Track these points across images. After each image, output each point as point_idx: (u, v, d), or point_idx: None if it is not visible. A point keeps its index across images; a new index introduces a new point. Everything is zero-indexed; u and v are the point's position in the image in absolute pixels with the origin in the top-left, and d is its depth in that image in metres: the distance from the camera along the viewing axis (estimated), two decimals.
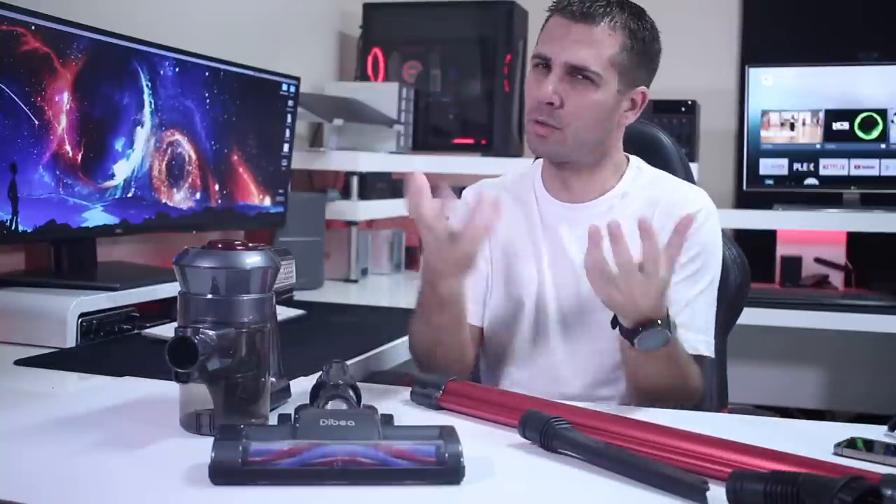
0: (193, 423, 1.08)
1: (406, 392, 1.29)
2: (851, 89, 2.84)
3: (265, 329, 1.10)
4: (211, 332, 1.04)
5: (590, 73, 1.39)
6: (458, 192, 2.07)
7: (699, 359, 1.42)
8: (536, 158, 1.71)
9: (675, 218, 1.31)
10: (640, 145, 1.56)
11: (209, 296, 1.07)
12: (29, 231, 1.63)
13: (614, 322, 1.30)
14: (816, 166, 2.87)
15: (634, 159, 1.55)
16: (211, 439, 0.94)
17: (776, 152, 2.90)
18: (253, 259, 1.08)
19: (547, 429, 1.06)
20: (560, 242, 1.51)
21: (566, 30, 1.41)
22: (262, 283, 1.09)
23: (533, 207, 1.55)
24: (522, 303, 1.52)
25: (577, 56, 1.39)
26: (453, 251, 1.29)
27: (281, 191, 2.35)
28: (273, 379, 1.18)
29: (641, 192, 1.49)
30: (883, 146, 2.81)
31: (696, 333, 1.42)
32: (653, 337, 1.25)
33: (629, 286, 1.21)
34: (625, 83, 1.43)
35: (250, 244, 1.11)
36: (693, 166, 2.70)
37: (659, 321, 1.25)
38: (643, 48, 1.43)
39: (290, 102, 2.35)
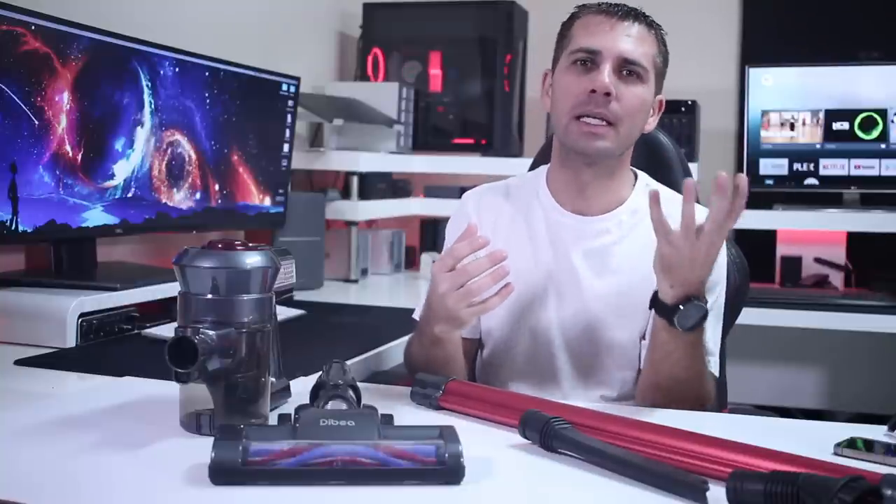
0: (193, 423, 1.08)
1: (406, 392, 1.29)
2: (851, 89, 2.84)
3: (265, 329, 1.10)
4: (211, 332, 1.04)
5: (640, 67, 1.40)
6: (459, 192, 2.07)
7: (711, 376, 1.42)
8: (535, 163, 1.70)
9: None
10: (639, 146, 1.55)
11: (209, 296, 1.07)
12: (29, 231, 1.63)
13: (652, 302, 1.29)
14: (816, 166, 2.87)
15: (642, 174, 1.54)
16: (211, 439, 0.94)
17: (776, 152, 2.90)
18: (253, 259, 1.08)
19: (547, 429, 1.06)
20: (567, 255, 1.48)
21: (612, 26, 1.40)
22: (262, 283, 1.09)
23: (538, 217, 1.52)
24: (523, 316, 1.49)
25: (629, 49, 1.39)
26: (447, 307, 1.28)
27: (281, 191, 2.35)
28: (273, 379, 1.18)
29: None
30: (883, 146, 2.81)
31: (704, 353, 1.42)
32: (693, 311, 1.25)
33: (695, 245, 1.21)
34: (657, 86, 1.45)
35: (250, 244, 1.11)
36: (693, 166, 2.70)
37: (697, 298, 1.25)
38: (666, 55, 1.46)
39: (290, 102, 2.35)
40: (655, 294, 1.29)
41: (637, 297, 1.42)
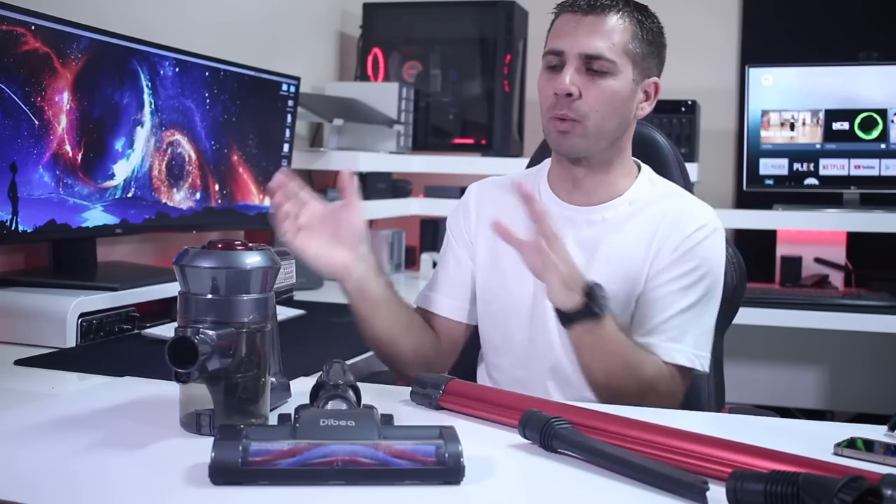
0: (193, 423, 1.08)
1: (406, 392, 1.29)
2: (851, 89, 2.84)
3: (265, 329, 1.10)
4: (211, 332, 1.04)
5: (605, 61, 1.40)
6: (459, 192, 2.07)
7: (682, 370, 1.41)
8: (533, 160, 1.71)
9: (677, 233, 1.42)
10: (636, 145, 1.56)
11: (209, 296, 1.07)
12: (29, 231, 1.63)
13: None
14: (816, 166, 2.87)
15: (646, 169, 1.55)
16: (211, 439, 0.94)
17: (776, 152, 2.90)
18: (253, 259, 1.08)
19: (547, 429, 1.06)
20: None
21: (576, 24, 1.42)
22: (262, 283, 1.09)
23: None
24: (520, 303, 1.51)
25: (591, 45, 1.40)
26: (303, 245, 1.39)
27: None
28: (273, 379, 1.18)
29: (651, 205, 1.48)
30: (883, 146, 2.81)
31: (676, 343, 1.41)
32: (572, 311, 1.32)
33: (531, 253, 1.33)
34: (638, 73, 1.44)
35: (250, 244, 1.11)
36: (693, 166, 2.71)
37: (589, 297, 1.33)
38: (652, 38, 1.46)
39: (290, 102, 2.35)
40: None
41: (620, 288, 1.43)
